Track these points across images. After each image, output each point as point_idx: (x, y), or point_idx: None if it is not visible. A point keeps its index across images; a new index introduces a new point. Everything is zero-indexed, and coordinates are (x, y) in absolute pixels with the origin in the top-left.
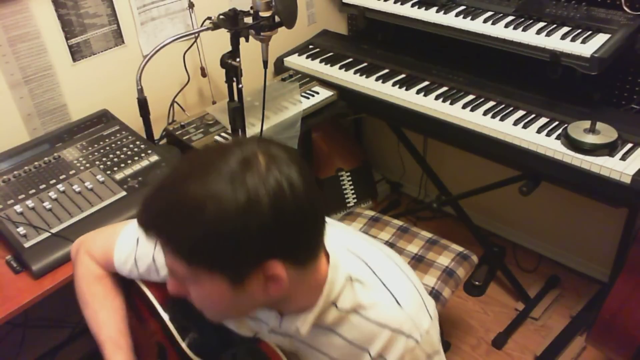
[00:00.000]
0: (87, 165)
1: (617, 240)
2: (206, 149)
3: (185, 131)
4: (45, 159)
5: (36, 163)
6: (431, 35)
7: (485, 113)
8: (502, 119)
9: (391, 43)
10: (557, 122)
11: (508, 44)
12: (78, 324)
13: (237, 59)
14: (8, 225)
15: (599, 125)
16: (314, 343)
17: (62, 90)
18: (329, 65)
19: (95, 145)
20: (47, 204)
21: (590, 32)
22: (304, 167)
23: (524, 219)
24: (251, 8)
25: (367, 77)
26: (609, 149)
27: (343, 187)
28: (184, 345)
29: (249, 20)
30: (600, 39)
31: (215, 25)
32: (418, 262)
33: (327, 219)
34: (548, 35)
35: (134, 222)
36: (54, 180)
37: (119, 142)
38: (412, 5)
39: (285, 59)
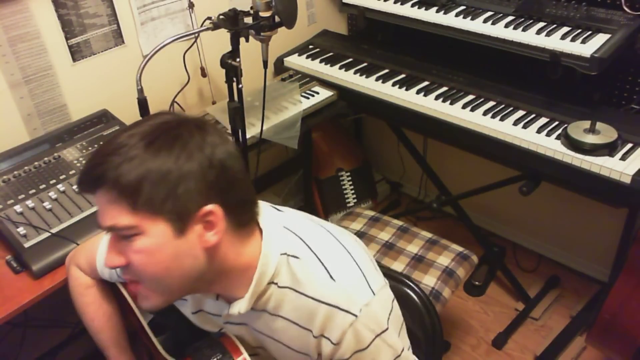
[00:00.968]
0: None
1: (617, 240)
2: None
3: None
4: (45, 159)
5: (36, 163)
6: (431, 35)
7: (485, 113)
8: (502, 119)
9: (391, 43)
10: (557, 122)
11: (508, 44)
12: (78, 324)
13: (237, 59)
14: (8, 225)
15: (599, 125)
16: (266, 330)
17: (62, 90)
18: (329, 65)
19: (95, 145)
20: (47, 204)
21: (590, 32)
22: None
23: (524, 219)
24: (251, 8)
25: (367, 77)
26: (609, 149)
27: (343, 187)
28: (155, 341)
29: (249, 20)
30: (600, 39)
31: (215, 25)
32: (418, 262)
33: (277, 207)
34: (548, 35)
35: None
36: (54, 180)
37: None
38: (412, 5)
39: (285, 59)
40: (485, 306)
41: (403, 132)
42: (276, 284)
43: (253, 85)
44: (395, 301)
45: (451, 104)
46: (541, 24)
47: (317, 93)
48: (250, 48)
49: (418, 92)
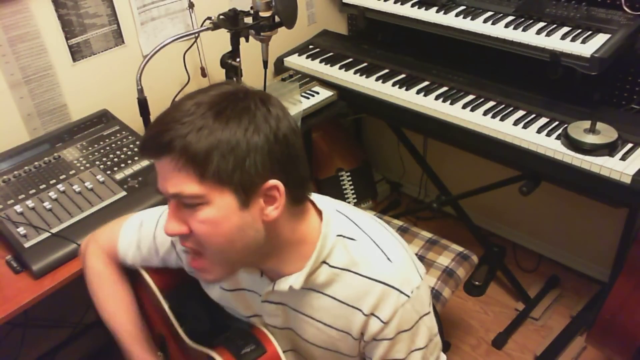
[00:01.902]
0: (87, 165)
1: (617, 240)
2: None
3: None
4: (45, 159)
5: (36, 163)
6: (431, 35)
7: (485, 113)
8: (502, 119)
9: (391, 43)
10: (557, 122)
11: (508, 44)
12: (78, 324)
13: (237, 59)
14: (8, 225)
15: (599, 125)
16: (307, 309)
17: (62, 90)
18: (329, 65)
19: (96, 145)
20: (47, 204)
21: (590, 32)
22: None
23: (524, 219)
24: (251, 8)
25: (367, 77)
26: (609, 149)
27: (343, 187)
28: (180, 330)
29: (249, 20)
30: (600, 39)
31: (215, 25)
32: None
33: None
34: (548, 35)
35: (138, 213)
36: (54, 180)
37: (119, 142)
38: (412, 5)
39: (285, 59)
40: (485, 306)
41: (403, 132)
42: (328, 263)
43: (253, 85)
44: None
45: (451, 104)
46: (541, 24)
47: (317, 93)
48: (250, 48)
49: (418, 92)
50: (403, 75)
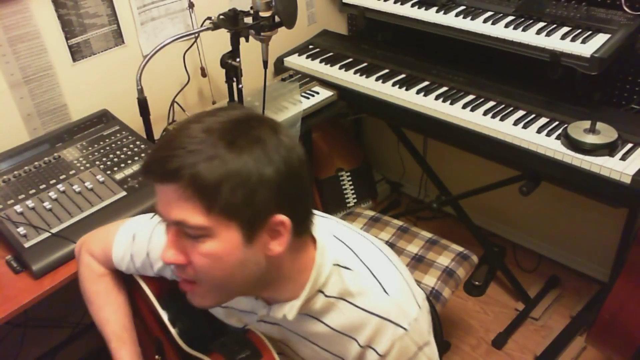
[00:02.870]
0: (87, 165)
1: (617, 240)
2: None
3: None
4: (45, 159)
5: (36, 163)
6: (431, 35)
7: (485, 113)
8: (502, 119)
9: (391, 43)
10: (557, 122)
11: (508, 44)
12: (78, 324)
13: (237, 59)
14: (8, 225)
15: (599, 125)
16: (303, 332)
17: (62, 90)
18: (329, 65)
19: (95, 145)
20: (47, 204)
21: (590, 32)
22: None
23: (524, 219)
24: (251, 8)
25: (367, 77)
26: (609, 149)
27: (343, 187)
28: (176, 335)
29: (249, 20)
30: (600, 39)
31: (215, 25)
32: (418, 262)
33: (317, 212)
34: (548, 35)
35: (133, 219)
36: (54, 180)
37: (119, 142)
38: (412, 5)
39: (285, 59)
40: (485, 306)
41: (403, 132)
42: (323, 292)
43: (253, 85)
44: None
45: (451, 104)
46: (541, 24)
47: (317, 93)
48: (250, 48)
49: (418, 92)
50: (403, 75)
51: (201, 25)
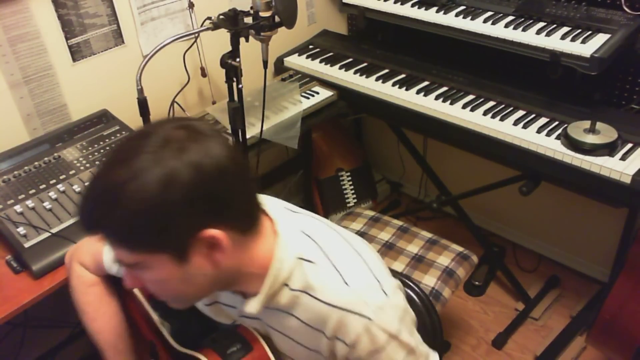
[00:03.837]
0: (87, 165)
1: (617, 240)
2: (128, 136)
3: None
4: (45, 159)
5: (36, 163)
6: (431, 35)
7: (485, 113)
8: (502, 119)
9: (391, 43)
10: (557, 122)
11: (508, 44)
12: (78, 324)
13: (237, 59)
14: (8, 225)
15: (599, 125)
16: (278, 326)
17: (62, 90)
18: (329, 65)
19: (95, 145)
20: (47, 204)
21: (590, 32)
22: (224, 137)
23: (524, 219)
24: (251, 8)
25: (367, 77)
26: (609, 149)
27: (343, 187)
28: (168, 336)
29: (249, 20)
30: (600, 39)
31: (215, 25)
32: (418, 262)
33: (292, 208)
34: (548, 35)
35: None
36: (54, 180)
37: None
38: (412, 5)
39: (285, 59)
40: (485, 306)
41: (403, 132)
42: (288, 286)
43: (253, 85)
44: (406, 301)
45: (451, 104)
46: (541, 24)
47: (317, 93)
48: (250, 48)
49: (418, 92)
50: (403, 75)
51: (201, 25)
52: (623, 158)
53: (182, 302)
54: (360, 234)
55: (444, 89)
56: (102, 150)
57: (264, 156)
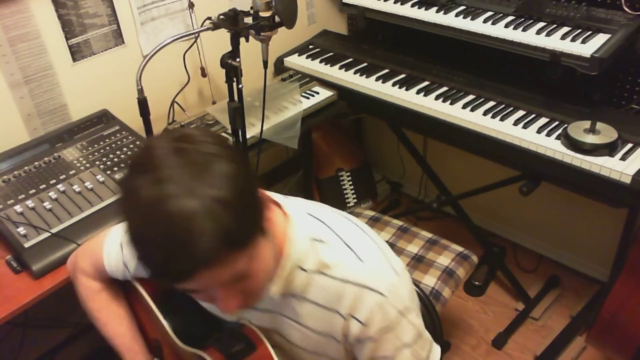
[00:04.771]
0: (87, 165)
1: (617, 240)
2: (136, 157)
3: None
4: (45, 159)
5: (36, 163)
6: (431, 35)
7: (485, 113)
8: (502, 119)
9: (391, 43)
10: (557, 122)
11: (508, 44)
12: (78, 324)
13: (237, 59)
14: (8, 225)
15: (599, 125)
16: (291, 314)
17: (62, 90)
18: (329, 65)
19: (96, 145)
20: (47, 204)
21: (590, 32)
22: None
23: (524, 219)
24: (251, 8)
25: (367, 77)
26: (609, 149)
27: (343, 187)
28: (172, 335)
29: (249, 20)
30: (600, 39)
31: (215, 25)
32: (418, 262)
33: (288, 196)
34: (548, 35)
35: (115, 228)
36: (54, 180)
37: (119, 142)
38: (412, 5)
39: (285, 59)
40: (485, 306)
41: (403, 132)
42: (302, 268)
43: (253, 85)
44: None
45: (451, 104)
46: (541, 24)
47: (317, 93)
48: (250, 48)
49: (418, 92)
50: (403, 75)
51: (201, 25)
52: (623, 158)
53: (257, 295)
54: None
55: (444, 89)
56: (102, 150)
57: (264, 156)
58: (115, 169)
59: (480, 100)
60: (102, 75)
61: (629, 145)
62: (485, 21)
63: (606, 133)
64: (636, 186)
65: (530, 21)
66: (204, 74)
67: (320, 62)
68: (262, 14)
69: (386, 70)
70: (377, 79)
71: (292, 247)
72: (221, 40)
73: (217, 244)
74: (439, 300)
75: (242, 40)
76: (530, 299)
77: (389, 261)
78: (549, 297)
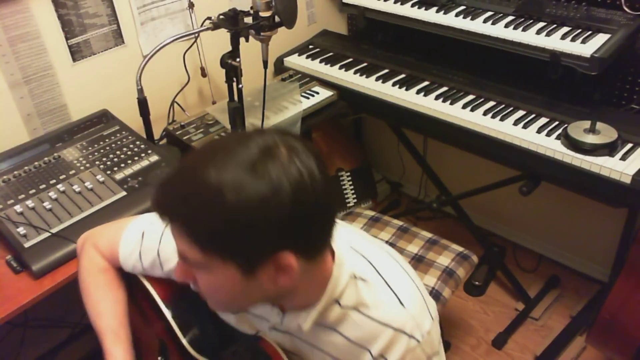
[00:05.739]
0: (87, 165)
1: (617, 240)
2: (227, 136)
3: (185, 131)
4: (45, 159)
5: (36, 163)
6: (431, 35)
7: (485, 113)
8: (502, 119)
9: (391, 43)
10: (557, 122)
11: (508, 44)
12: (78, 324)
13: (237, 59)
14: (8, 225)
15: (599, 125)
16: (315, 341)
17: (62, 90)
18: (329, 65)
19: (95, 145)
20: (47, 204)
21: (590, 32)
22: (321, 159)
23: (524, 219)
24: (251, 8)
25: (367, 77)
26: (609, 149)
27: (343, 187)
28: (185, 341)
29: (249, 20)
30: (600, 39)
31: (215, 25)
32: (418, 262)
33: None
34: (548, 35)
35: (141, 217)
36: (54, 180)
37: (119, 142)
38: (412, 5)
39: (285, 59)
40: (485, 306)
41: (403, 132)
42: (339, 303)
43: (253, 85)
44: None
45: (451, 104)
46: (541, 24)
47: (317, 93)
48: (250, 48)
49: (418, 92)
50: (403, 75)
51: (201, 25)
52: (623, 158)
53: (225, 308)
54: None
55: (444, 89)
56: (102, 150)
57: None
58: (115, 169)
59: (480, 100)
60: (102, 75)
61: (629, 145)
62: (485, 21)
63: (606, 133)
64: (636, 186)
65: (530, 21)
66: (204, 74)
67: (320, 62)
68: (262, 14)
69: (386, 70)
70: (377, 79)
71: (334, 285)
72: (221, 40)
73: (186, 222)
74: (439, 300)
75: (242, 40)
76: (530, 299)
77: (427, 305)
78: (549, 297)
